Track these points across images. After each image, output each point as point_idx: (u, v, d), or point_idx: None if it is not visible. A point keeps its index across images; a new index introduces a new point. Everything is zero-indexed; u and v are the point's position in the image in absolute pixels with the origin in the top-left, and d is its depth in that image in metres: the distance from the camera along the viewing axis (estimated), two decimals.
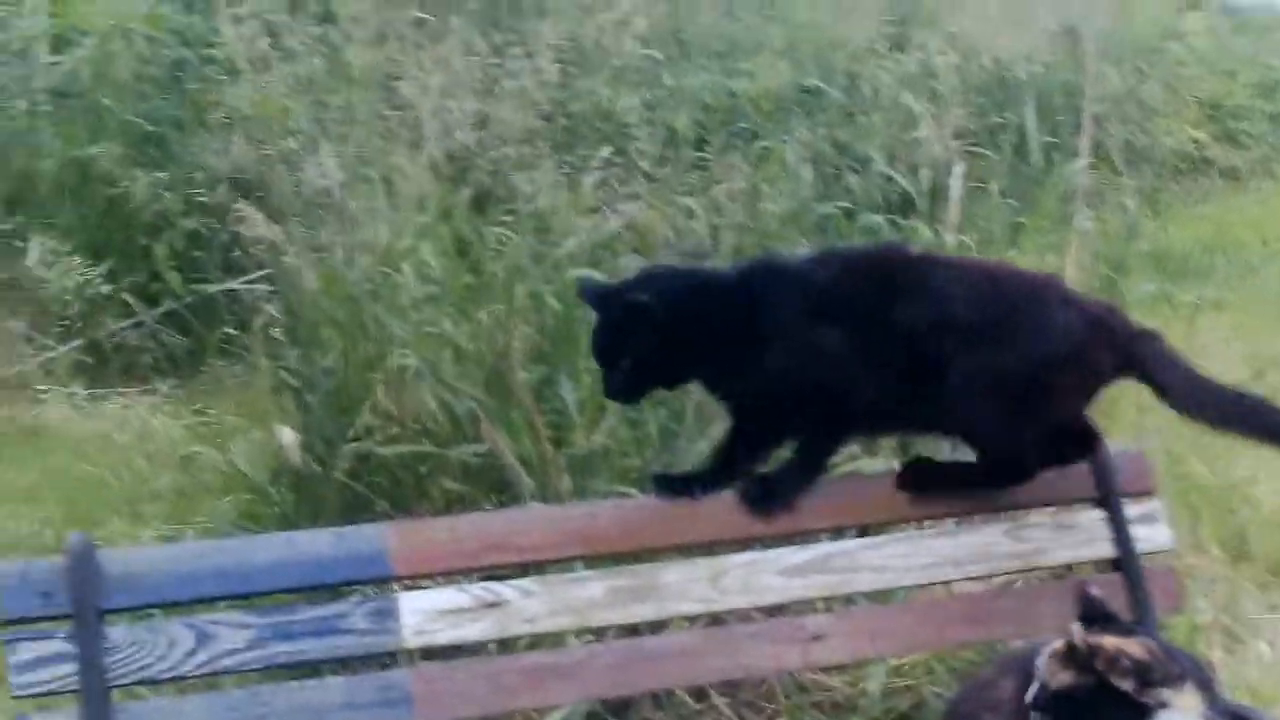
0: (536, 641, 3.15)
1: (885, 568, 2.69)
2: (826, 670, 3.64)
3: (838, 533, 2.84)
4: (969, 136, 6.79)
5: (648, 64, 7.05)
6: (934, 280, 2.61)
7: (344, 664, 2.79)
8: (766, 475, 2.66)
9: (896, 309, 2.56)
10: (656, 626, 3.21)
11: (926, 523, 3.08)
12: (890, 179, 6.40)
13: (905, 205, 6.26)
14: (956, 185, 5.45)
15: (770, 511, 2.60)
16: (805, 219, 5.54)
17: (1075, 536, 2.78)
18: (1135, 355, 2.67)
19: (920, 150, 6.55)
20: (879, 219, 5.85)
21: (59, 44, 6.80)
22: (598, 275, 3.99)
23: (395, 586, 2.98)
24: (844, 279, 2.61)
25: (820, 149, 6.59)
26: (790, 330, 2.56)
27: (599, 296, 2.63)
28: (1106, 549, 2.78)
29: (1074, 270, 4.75)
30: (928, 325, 2.54)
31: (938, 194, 6.10)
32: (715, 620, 3.27)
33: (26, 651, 2.33)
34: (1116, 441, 3.01)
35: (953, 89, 7.40)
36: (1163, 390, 2.68)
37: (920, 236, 5.34)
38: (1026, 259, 5.08)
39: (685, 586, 2.59)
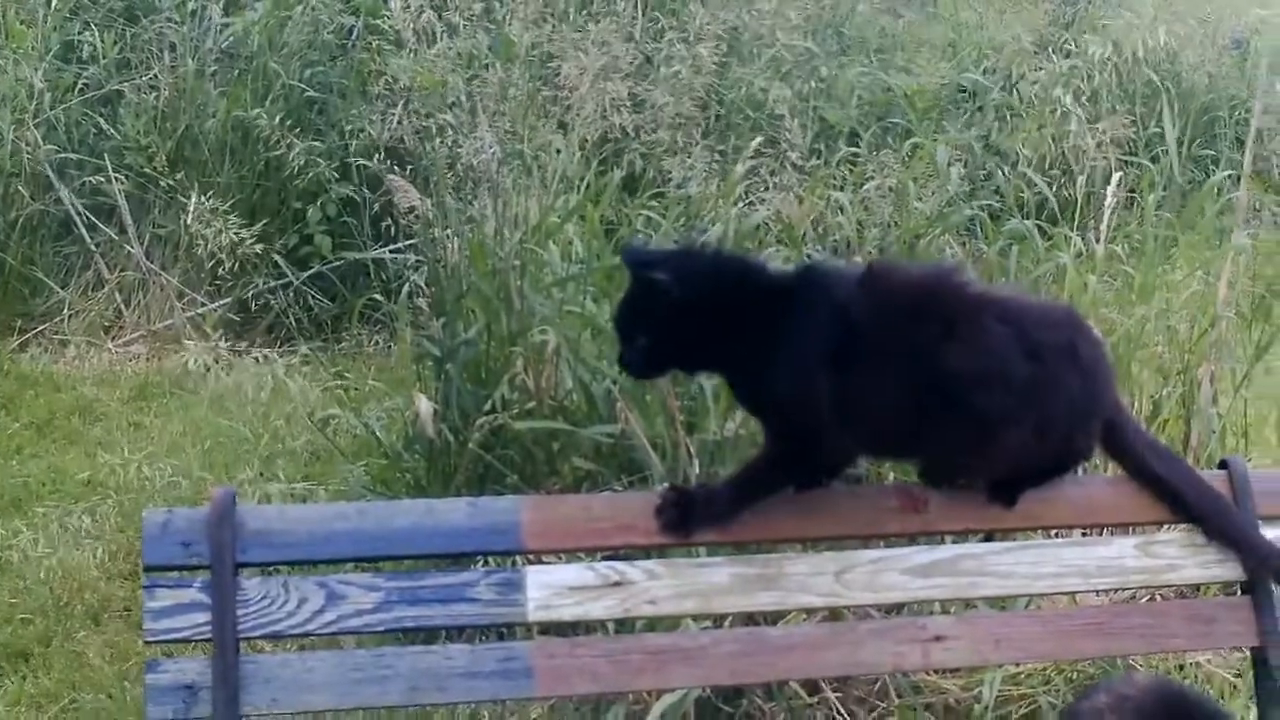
0: (653, 624, 3.19)
1: (1012, 574, 2.66)
2: (941, 672, 3.64)
3: (961, 536, 2.83)
4: (1126, 145, 6.70)
5: (804, 55, 7.03)
6: (989, 328, 2.50)
7: (460, 632, 2.85)
8: (689, 493, 2.59)
9: (943, 353, 2.46)
10: (773, 617, 3.24)
11: (1055, 532, 3.08)
12: (1046, 184, 6.32)
13: (1058, 211, 6.19)
14: (1110, 194, 5.38)
15: (687, 534, 2.54)
16: (952, 219, 5.50)
17: (1207, 555, 2.72)
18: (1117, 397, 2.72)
19: (1075, 156, 6.49)
20: (1027, 224, 5.79)
21: (231, 6, 6.92)
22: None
23: (519, 560, 3.05)
24: (886, 310, 2.50)
25: (972, 149, 6.54)
26: (798, 354, 2.47)
27: (633, 264, 2.56)
28: (1237, 570, 2.73)
29: (1226, 289, 4.67)
30: (978, 376, 2.46)
31: (1090, 202, 6.04)
32: (833, 614, 3.30)
33: (164, 598, 2.40)
34: (1256, 462, 2.97)
35: (1112, 96, 7.32)
36: (1121, 432, 2.70)
37: (1069, 245, 5.29)
38: (1179, 275, 5.02)
39: (810, 579, 2.59)
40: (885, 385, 2.46)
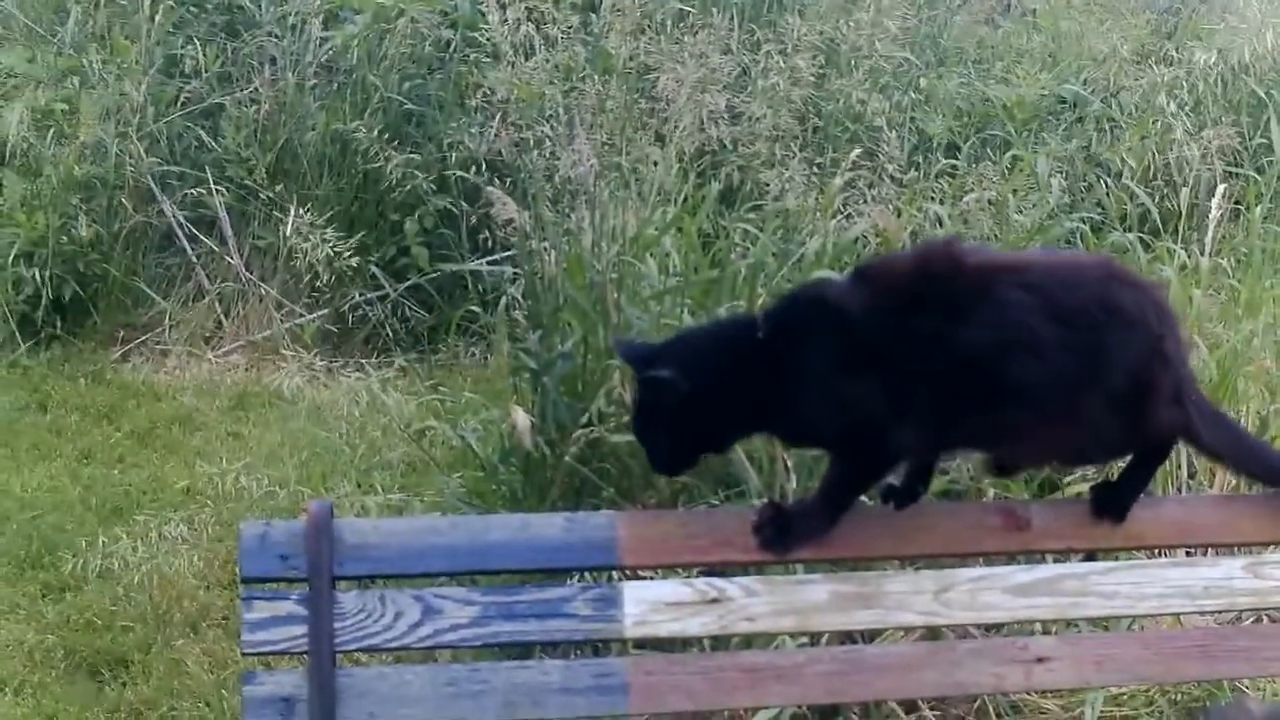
0: (747, 640, 3.16)
1: (1116, 594, 2.61)
2: (1042, 692, 3.59)
3: (1063, 555, 2.79)
4: (1231, 155, 6.60)
5: (903, 67, 6.99)
6: (1002, 294, 2.42)
7: (554, 647, 2.84)
8: (786, 510, 2.56)
9: (956, 331, 2.39)
10: (870, 635, 3.20)
11: (1160, 552, 3.03)
12: (1149, 195, 6.24)
13: (1160, 224, 6.11)
14: (1215, 206, 5.31)
15: (785, 550, 2.52)
16: (1052, 232, 5.44)
17: None
18: (1183, 350, 2.57)
19: (1178, 168, 6.41)
20: (1130, 237, 5.72)
21: (330, 20, 6.97)
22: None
23: (615, 575, 3.04)
24: (884, 303, 2.44)
25: (1072, 161, 6.46)
26: (815, 376, 2.43)
27: (631, 361, 2.57)
28: None
29: None
30: (996, 351, 2.39)
31: (1194, 214, 5.96)
32: (930, 633, 3.26)
33: (261, 610, 2.41)
34: None
35: (1217, 105, 7.21)
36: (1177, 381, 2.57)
37: (1172, 258, 5.22)
38: None
39: (909, 598, 2.56)
40: (906, 383, 2.41)
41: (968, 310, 2.40)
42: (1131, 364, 2.45)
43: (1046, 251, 4.05)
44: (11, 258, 6.43)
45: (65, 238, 6.49)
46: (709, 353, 2.51)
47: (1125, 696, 3.70)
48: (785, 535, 2.50)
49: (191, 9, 7.23)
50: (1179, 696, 3.70)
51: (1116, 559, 2.72)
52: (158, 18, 6.91)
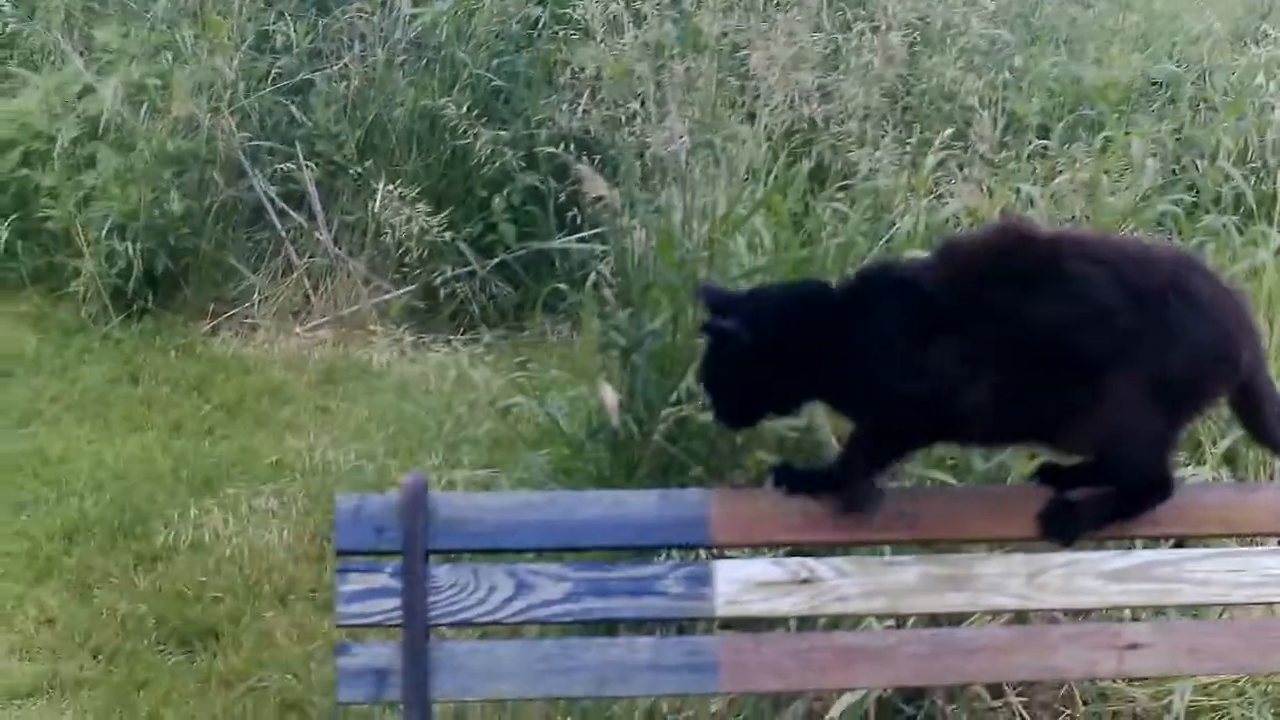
0: (834, 621, 3.15)
1: (1210, 582, 2.56)
2: (1130, 680, 3.55)
3: (1153, 540, 2.75)
4: None
5: (996, 46, 6.92)
6: (1073, 266, 2.38)
7: (640, 624, 2.84)
8: (803, 470, 2.57)
9: (1029, 306, 2.36)
10: (957, 619, 3.18)
11: (1256, 539, 2.99)
12: (1244, 178, 6.15)
13: (1256, 206, 6.02)
14: None
15: (791, 490, 2.50)
16: (1146, 214, 5.38)
17: None
18: (1259, 357, 2.51)
19: (1275, 149, 6.31)
20: (1224, 220, 5.64)
21: None
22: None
23: (703, 554, 3.03)
24: (959, 279, 2.41)
25: (1164, 143, 6.38)
26: (883, 347, 2.40)
27: (707, 305, 2.53)
28: None
29: None
30: (1074, 321, 2.35)
31: None
32: (1019, 618, 3.24)
33: (356, 583, 2.42)
34: None
35: None
36: (1259, 397, 2.53)
37: (1267, 242, 5.14)
38: None
39: (1001, 581, 2.53)
40: (969, 358, 2.38)
41: (1039, 282, 2.38)
42: (1199, 356, 2.41)
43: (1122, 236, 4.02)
44: (105, 231, 6.50)
45: (157, 212, 6.55)
46: (780, 310, 2.49)
47: (1215, 686, 3.64)
48: (794, 481, 2.50)
49: None
50: (1270, 688, 3.65)
51: (1208, 545, 2.68)
52: None
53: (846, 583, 2.49)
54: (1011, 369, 2.38)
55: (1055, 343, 2.36)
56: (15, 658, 4.20)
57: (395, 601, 2.40)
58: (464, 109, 6.08)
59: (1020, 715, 3.59)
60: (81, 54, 7.03)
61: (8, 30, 7.46)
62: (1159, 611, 3.26)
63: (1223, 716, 3.60)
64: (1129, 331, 2.36)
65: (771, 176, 4.93)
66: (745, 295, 2.62)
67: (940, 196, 5.04)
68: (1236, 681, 3.64)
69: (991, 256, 2.44)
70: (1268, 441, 2.63)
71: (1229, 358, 2.44)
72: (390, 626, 2.43)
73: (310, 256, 6.69)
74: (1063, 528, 2.49)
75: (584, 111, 5.18)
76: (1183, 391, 2.44)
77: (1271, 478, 4.10)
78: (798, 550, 2.64)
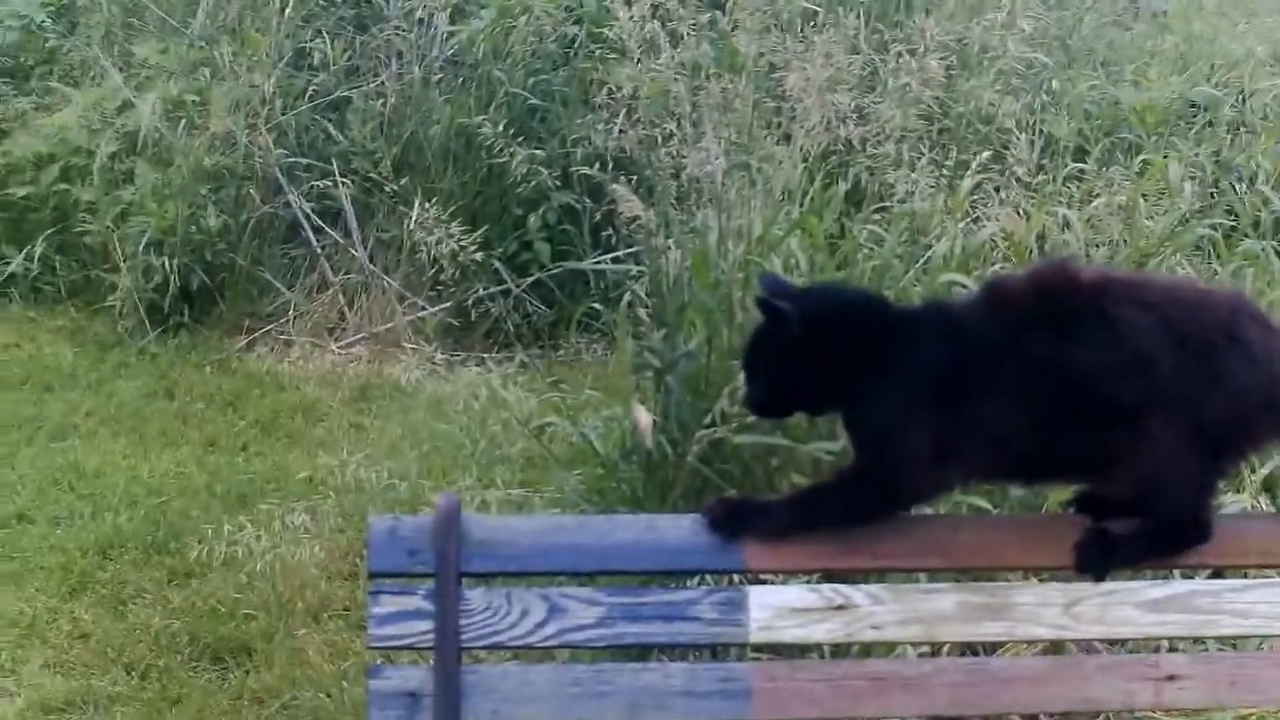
0: (868, 648, 3.13)
1: (1250, 613, 2.54)
2: (1169, 711, 3.52)
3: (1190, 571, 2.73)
4: None
5: (1033, 69, 6.90)
6: (1116, 311, 2.36)
7: (670, 650, 2.82)
8: (743, 502, 2.54)
9: (1071, 350, 2.34)
10: (992, 648, 3.16)
11: None
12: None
13: None
14: None
15: (729, 534, 2.43)
16: (1183, 238, 5.35)
17: None
18: None
19: None
20: (1264, 244, 5.61)
21: (457, 15, 7.02)
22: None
23: (737, 579, 3.02)
24: (1000, 324, 2.39)
25: (1203, 166, 6.35)
26: (901, 385, 2.39)
27: (767, 290, 2.49)
28: None
29: None
30: (1115, 368, 2.33)
31: None
32: (1054, 647, 3.21)
33: (388, 605, 2.42)
34: None
35: None
36: None
37: None
38: None
39: (1038, 610, 2.51)
40: (1011, 403, 2.36)
41: (1079, 327, 2.36)
42: (1245, 403, 2.38)
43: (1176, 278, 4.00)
44: (142, 246, 6.53)
45: (194, 227, 6.58)
46: (836, 309, 2.48)
47: (1254, 718, 3.62)
48: (735, 522, 2.45)
49: (321, 3, 7.31)
50: None
51: (1246, 576, 2.66)
52: (288, 11, 6.99)
53: (881, 610, 2.47)
54: (1050, 413, 2.37)
55: (1092, 388, 2.35)
56: (49, 672, 4.21)
57: (428, 624, 2.39)
58: (500, 127, 6.08)
59: None
60: (121, 70, 7.07)
61: (48, 46, 7.52)
62: (1198, 642, 3.24)
63: None
64: (1170, 377, 2.34)
65: (807, 198, 4.92)
66: (808, 289, 2.65)
67: (977, 219, 5.02)
68: (1277, 714, 3.61)
69: (1034, 298, 2.43)
70: None
71: (1276, 408, 2.42)
72: (422, 649, 2.43)
73: (345, 273, 6.71)
74: (1096, 562, 2.46)
75: (620, 131, 5.16)
76: (1226, 436, 2.42)
77: None
78: (832, 576, 2.63)
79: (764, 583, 2.68)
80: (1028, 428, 2.38)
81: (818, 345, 2.41)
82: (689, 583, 3.11)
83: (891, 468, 2.42)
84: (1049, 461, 2.47)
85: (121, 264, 6.57)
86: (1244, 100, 7.18)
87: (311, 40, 7.09)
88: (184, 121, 6.78)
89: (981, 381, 2.38)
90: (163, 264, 6.51)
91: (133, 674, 4.19)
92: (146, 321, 6.52)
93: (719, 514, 2.45)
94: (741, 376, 3.94)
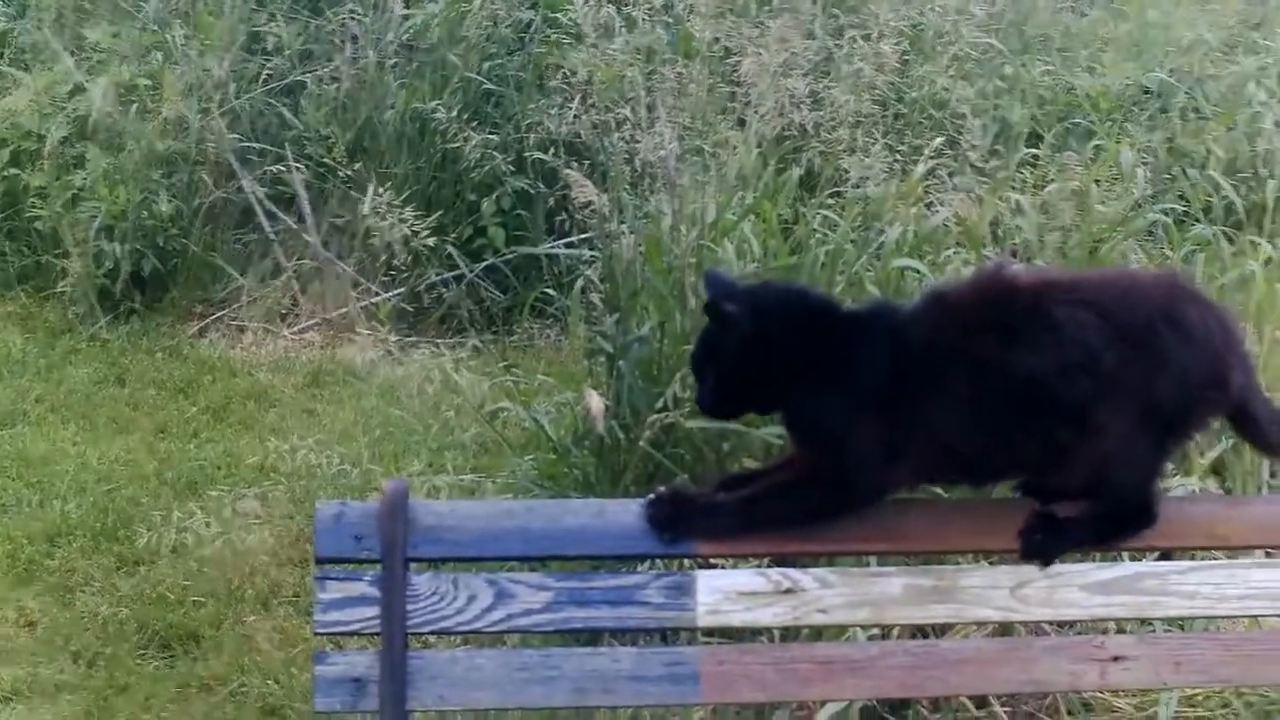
0: (817, 632, 3.14)
1: (1196, 594, 2.56)
2: (1116, 691, 3.55)
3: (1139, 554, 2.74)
4: None
5: (988, 53, 6.91)
6: (1056, 311, 2.38)
7: (623, 634, 2.82)
8: (689, 497, 2.51)
9: (1016, 354, 2.36)
10: (941, 631, 3.17)
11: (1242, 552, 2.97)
12: (1234, 188, 6.14)
13: (1246, 216, 6.01)
14: None
15: (672, 536, 2.44)
16: (1136, 224, 5.37)
17: None
18: (1249, 374, 2.52)
19: (1265, 160, 6.30)
20: (1214, 229, 5.63)
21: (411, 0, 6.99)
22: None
23: (687, 563, 3.02)
24: (943, 332, 2.41)
25: (1156, 152, 6.37)
26: (847, 391, 2.40)
27: (712, 290, 2.49)
28: None
29: None
30: (1061, 367, 2.35)
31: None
32: (1002, 629, 3.23)
33: (334, 590, 2.41)
34: None
35: None
36: (1256, 420, 2.54)
37: (1257, 252, 5.14)
38: None
39: (985, 593, 2.52)
40: (958, 409, 2.39)
41: (1023, 332, 2.38)
42: (1189, 383, 2.41)
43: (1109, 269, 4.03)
44: (93, 231, 6.47)
45: (146, 213, 6.53)
46: (786, 310, 2.47)
47: (1200, 698, 3.64)
48: (679, 521, 2.45)
49: None
50: (1255, 700, 3.64)
51: (1195, 558, 2.67)
52: None
53: (830, 594, 2.48)
54: (999, 415, 2.39)
55: (1039, 391, 2.37)
56: None
57: (374, 610, 2.39)
58: (454, 112, 6.07)
59: None
60: (72, 53, 7.00)
61: None
62: (1145, 624, 3.25)
63: None
64: (1116, 368, 2.36)
65: (761, 183, 4.92)
66: (757, 286, 2.61)
67: (930, 205, 5.02)
68: (1222, 693, 3.63)
69: (977, 306, 2.44)
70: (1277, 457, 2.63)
71: (1219, 383, 2.45)
72: (369, 635, 2.42)
73: (299, 259, 6.66)
74: (1041, 548, 2.48)
75: (574, 116, 5.14)
76: (1172, 419, 2.45)
77: (1260, 489, 4.10)
78: (782, 560, 2.63)
79: (712, 567, 2.66)
80: (977, 430, 2.40)
81: (767, 347, 2.41)
82: (640, 567, 3.11)
83: (840, 471, 2.43)
84: (998, 461, 2.48)
85: (72, 249, 6.51)
86: (1197, 86, 7.21)
87: (265, 24, 7.03)
88: (136, 106, 6.71)
89: (930, 386, 2.40)
90: (114, 249, 6.46)
91: (80, 662, 4.16)
92: (97, 307, 6.47)
93: (664, 514, 2.45)
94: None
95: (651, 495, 2.47)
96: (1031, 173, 5.68)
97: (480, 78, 6.79)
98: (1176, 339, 2.39)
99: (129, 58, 6.90)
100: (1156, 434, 2.44)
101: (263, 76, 6.95)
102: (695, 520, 2.46)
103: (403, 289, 6.50)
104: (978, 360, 2.38)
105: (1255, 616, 3.20)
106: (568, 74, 5.44)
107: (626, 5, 5.32)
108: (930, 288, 2.68)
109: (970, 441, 2.41)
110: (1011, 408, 2.38)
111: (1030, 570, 2.53)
